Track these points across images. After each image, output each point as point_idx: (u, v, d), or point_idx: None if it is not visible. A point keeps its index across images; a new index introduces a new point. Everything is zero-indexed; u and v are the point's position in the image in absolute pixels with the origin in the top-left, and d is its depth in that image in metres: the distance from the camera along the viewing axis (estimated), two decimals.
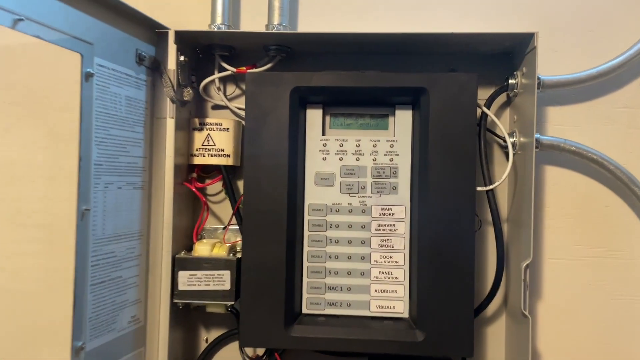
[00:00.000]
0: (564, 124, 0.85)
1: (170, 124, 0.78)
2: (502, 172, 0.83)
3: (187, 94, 0.80)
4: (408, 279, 0.78)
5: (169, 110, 0.78)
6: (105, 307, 0.69)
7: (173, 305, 0.79)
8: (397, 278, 0.78)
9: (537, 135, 0.75)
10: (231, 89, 0.89)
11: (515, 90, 0.81)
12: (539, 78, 0.76)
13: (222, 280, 0.78)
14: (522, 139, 0.80)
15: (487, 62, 0.86)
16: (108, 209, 0.69)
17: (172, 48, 0.78)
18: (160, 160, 0.78)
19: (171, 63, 0.78)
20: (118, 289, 0.72)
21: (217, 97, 0.88)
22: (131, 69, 0.74)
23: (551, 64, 0.85)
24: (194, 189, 0.83)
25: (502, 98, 0.86)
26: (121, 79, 0.71)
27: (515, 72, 0.81)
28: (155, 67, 0.78)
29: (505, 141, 0.82)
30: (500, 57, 0.85)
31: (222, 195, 0.89)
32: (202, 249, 0.81)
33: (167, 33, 0.78)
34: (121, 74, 0.71)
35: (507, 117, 0.86)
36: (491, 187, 0.77)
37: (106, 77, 0.68)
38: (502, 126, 0.80)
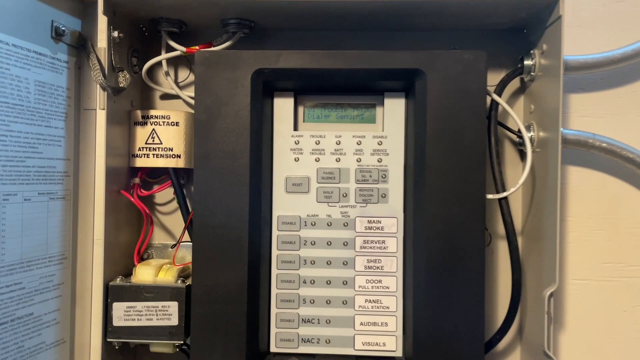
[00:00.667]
0: (590, 115, 0.70)
1: (100, 117, 0.62)
2: (515, 175, 0.69)
3: (123, 79, 0.64)
4: (401, 308, 0.63)
5: (99, 99, 0.62)
6: (7, 355, 0.53)
7: (107, 345, 0.63)
8: (388, 308, 0.63)
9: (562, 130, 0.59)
10: (184, 74, 0.73)
11: (532, 74, 0.66)
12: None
13: (168, 313, 0.62)
14: (541, 134, 0.64)
15: (494, 39, 0.71)
16: (9, 228, 0.53)
17: (102, 22, 0.62)
18: (89, 163, 0.62)
19: (102, 40, 0.62)
20: (28, 330, 0.56)
21: (166, 83, 0.72)
22: (45, 47, 0.57)
23: (573, 41, 0.70)
24: (132, 199, 0.67)
25: (513, 84, 0.70)
26: (28, 58, 0.55)
27: (531, 51, 0.66)
28: (81, 45, 0.62)
29: (520, 136, 0.66)
30: (511, 34, 0.70)
31: (175, 203, 0.73)
32: (143, 273, 0.64)
33: (95, 2, 0.61)
34: (28, 52, 0.55)
35: (520, 106, 0.71)
36: (505, 194, 0.62)
37: (3, 56, 0.52)
38: (518, 118, 0.64)
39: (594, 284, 0.71)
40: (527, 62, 0.66)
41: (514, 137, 0.69)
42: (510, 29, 0.69)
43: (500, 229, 0.69)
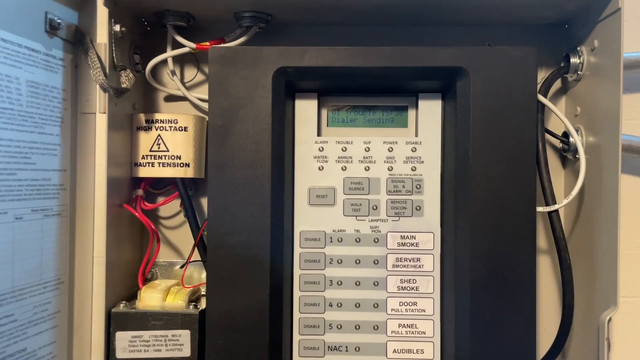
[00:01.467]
0: (637, 117, 0.64)
1: (101, 122, 0.55)
2: (556, 184, 0.62)
3: (126, 78, 0.57)
4: (439, 334, 0.57)
5: (99, 102, 0.55)
6: None
7: None
8: (424, 333, 0.57)
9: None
10: (191, 73, 0.66)
11: (578, 73, 0.60)
12: None
13: (179, 343, 0.55)
14: (590, 139, 0.58)
15: (531, 35, 0.65)
16: None
17: (102, 14, 0.55)
18: (88, 174, 0.55)
19: (102, 35, 0.55)
20: None
21: (171, 84, 0.65)
22: (38, 42, 0.50)
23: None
24: (136, 214, 0.60)
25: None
26: (19, 55, 0.48)
27: (578, 48, 0.60)
28: (79, 41, 0.55)
29: (564, 142, 0.61)
30: (551, 29, 0.64)
31: (182, 217, 0.66)
32: (150, 297, 0.57)
33: None
34: (19, 47, 0.48)
35: (561, 109, 0.65)
36: (557, 206, 0.56)
37: None
38: (568, 121, 0.58)
39: None
40: (573, 60, 0.60)
41: (556, 142, 0.63)
42: (550, 24, 0.64)
43: (541, 242, 0.64)
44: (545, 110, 0.58)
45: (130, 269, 0.62)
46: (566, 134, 0.61)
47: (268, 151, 0.54)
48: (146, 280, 0.62)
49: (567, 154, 0.61)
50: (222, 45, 0.60)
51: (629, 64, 0.60)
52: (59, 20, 0.52)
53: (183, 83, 0.65)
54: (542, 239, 0.64)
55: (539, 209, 0.54)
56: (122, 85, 0.57)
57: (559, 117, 0.57)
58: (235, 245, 0.54)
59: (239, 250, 0.54)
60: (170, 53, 0.62)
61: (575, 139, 0.57)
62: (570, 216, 0.63)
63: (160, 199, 0.65)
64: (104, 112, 0.55)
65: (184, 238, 0.66)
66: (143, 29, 0.64)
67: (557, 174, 0.64)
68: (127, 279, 0.61)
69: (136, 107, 0.63)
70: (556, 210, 0.56)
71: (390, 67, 0.54)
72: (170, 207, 0.65)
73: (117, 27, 0.56)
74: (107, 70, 0.55)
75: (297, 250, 0.58)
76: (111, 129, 0.56)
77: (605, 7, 0.55)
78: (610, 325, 0.53)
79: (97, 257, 0.55)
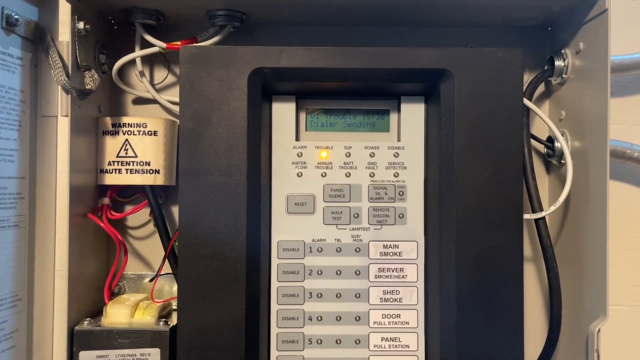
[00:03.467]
0: (625, 122, 0.64)
1: (63, 126, 0.51)
2: (541, 191, 0.61)
3: (91, 79, 0.53)
4: (424, 348, 0.55)
5: (61, 104, 0.51)
6: None
7: None
8: (408, 346, 0.55)
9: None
10: (161, 74, 0.63)
11: (563, 76, 0.58)
12: None
13: None
14: (576, 143, 0.57)
15: (513, 37, 0.64)
16: None
17: (64, 10, 0.51)
18: (49, 181, 0.51)
19: (64, 33, 0.52)
20: None
21: (140, 86, 0.62)
22: None
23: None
24: (102, 224, 0.56)
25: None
26: None
27: (562, 51, 0.58)
28: (39, 39, 0.51)
29: (549, 146, 0.59)
30: (533, 31, 0.63)
31: (152, 227, 0.62)
32: (117, 313, 0.54)
33: None
34: None
35: (545, 112, 0.63)
36: (543, 213, 0.54)
37: None
38: (554, 125, 0.56)
39: (626, 309, 0.64)
40: (557, 63, 0.58)
41: (540, 147, 0.62)
42: (533, 26, 0.62)
43: (527, 250, 0.62)
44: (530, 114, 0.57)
45: (95, 283, 0.58)
46: (551, 139, 0.59)
47: (243, 157, 0.51)
48: (113, 295, 0.59)
49: (552, 159, 0.60)
50: (194, 44, 0.57)
51: (613, 68, 0.59)
52: (16, 16, 0.48)
53: (152, 85, 0.62)
54: (528, 247, 0.62)
55: (526, 216, 0.53)
56: (87, 87, 0.53)
57: (545, 121, 0.56)
58: (208, 257, 0.51)
59: (212, 261, 0.51)
60: (138, 53, 0.59)
61: (562, 143, 0.55)
62: (555, 222, 0.61)
63: (128, 208, 0.61)
64: (67, 115, 0.51)
65: (153, 249, 0.62)
66: (110, 27, 0.61)
67: (541, 180, 0.62)
68: (91, 293, 0.57)
69: (102, 110, 0.59)
70: (543, 218, 0.54)
71: (371, 68, 0.52)
72: (138, 216, 0.62)
73: (80, 25, 0.53)
74: (70, 71, 0.51)
75: (274, 261, 0.55)
76: (74, 133, 0.52)
77: (591, 8, 0.53)
78: (599, 335, 0.52)
79: (58, 271, 0.51)
